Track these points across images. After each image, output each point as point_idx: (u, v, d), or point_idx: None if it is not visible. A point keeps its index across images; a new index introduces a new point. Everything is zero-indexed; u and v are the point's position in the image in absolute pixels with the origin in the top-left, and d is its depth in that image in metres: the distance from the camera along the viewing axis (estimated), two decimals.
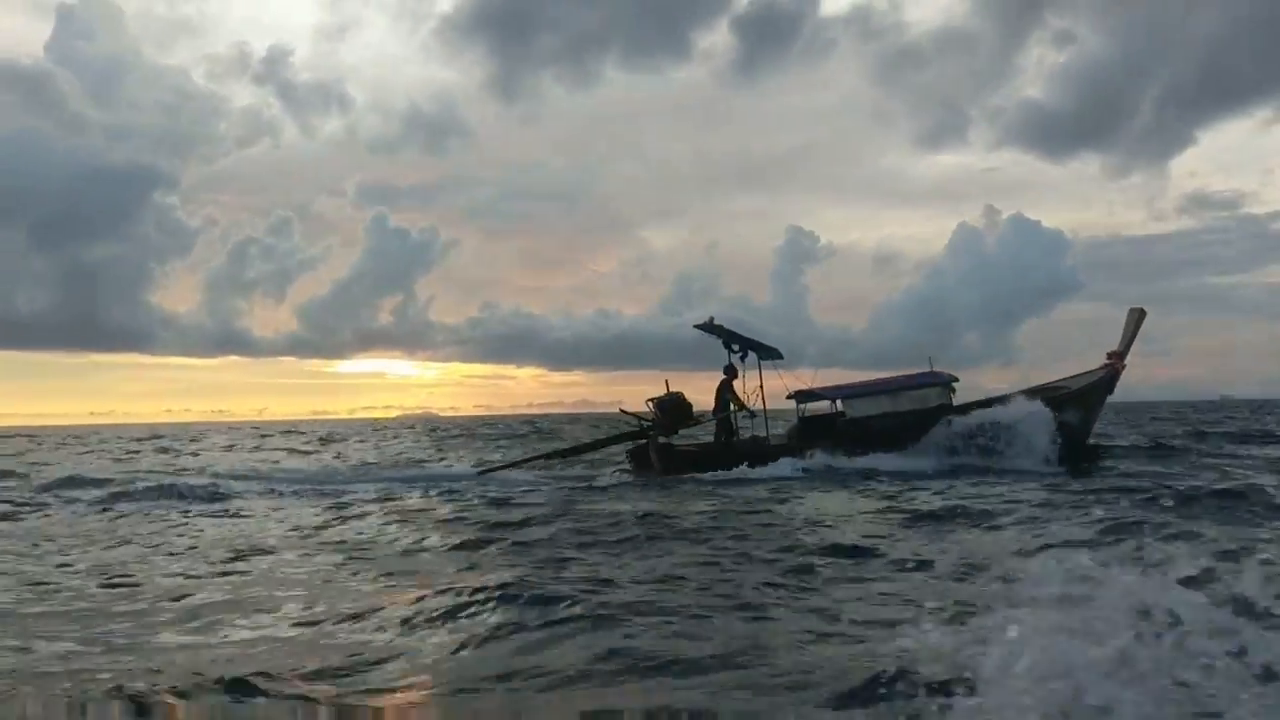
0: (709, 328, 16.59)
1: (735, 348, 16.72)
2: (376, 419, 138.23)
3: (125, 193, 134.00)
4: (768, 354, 16.61)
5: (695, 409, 16.62)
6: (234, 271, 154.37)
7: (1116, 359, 16.08)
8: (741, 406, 16.70)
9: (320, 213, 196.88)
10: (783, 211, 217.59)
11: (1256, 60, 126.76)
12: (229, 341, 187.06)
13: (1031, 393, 16.62)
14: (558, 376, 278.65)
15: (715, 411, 16.76)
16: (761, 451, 15.86)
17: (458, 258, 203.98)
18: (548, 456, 17.35)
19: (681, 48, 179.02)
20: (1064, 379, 16.50)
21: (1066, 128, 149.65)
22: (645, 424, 16.41)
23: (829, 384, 16.63)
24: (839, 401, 16.38)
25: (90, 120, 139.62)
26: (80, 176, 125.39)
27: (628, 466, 16.54)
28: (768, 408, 16.77)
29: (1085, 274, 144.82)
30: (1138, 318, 16.09)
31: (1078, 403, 15.82)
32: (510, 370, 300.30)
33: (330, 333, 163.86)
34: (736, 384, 16.70)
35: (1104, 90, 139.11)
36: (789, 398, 16.79)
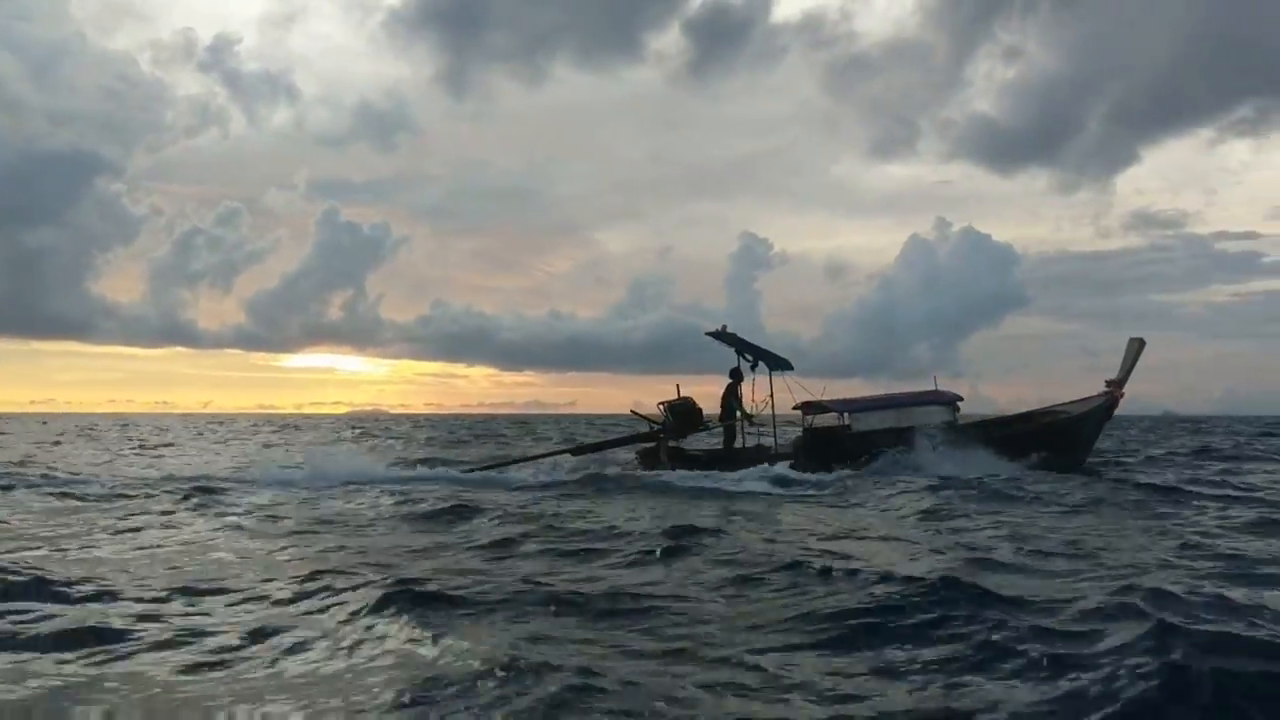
0: (722, 336, 16.94)
1: (747, 356, 17.07)
2: (325, 415, 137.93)
3: (67, 178, 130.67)
4: (778, 364, 16.98)
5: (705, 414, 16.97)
6: (179, 262, 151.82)
7: (1115, 387, 16.58)
8: (745, 413, 17.05)
9: (270, 205, 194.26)
10: (737, 218, 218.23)
11: (1201, 81, 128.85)
12: (173, 332, 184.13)
13: (1031, 415, 17.17)
14: (509, 376, 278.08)
15: (721, 417, 17.12)
16: (764, 458, 16.22)
17: (409, 255, 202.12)
18: (557, 454, 17.67)
19: (634, 48, 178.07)
20: (1065, 404, 16.99)
21: (1015, 142, 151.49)
22: (656, 426, 16.75)
23: (837, 397, 17.03)
24: (846, 415, 16.78)
25: (30, 104, 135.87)
26: (20, 161, 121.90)
27: (637, 465, 16.86)
28: (776, 417, 17.13)
29: (1033, 289, 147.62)
30: (1137, 348, 16.58)
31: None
32: (461, 369, 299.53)
33: (278, 326, 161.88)
34: (745, 390, 17.05)
35: (1052, 106, 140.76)
36: (795, 409, 17.18)
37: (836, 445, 16.49)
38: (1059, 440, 16.36)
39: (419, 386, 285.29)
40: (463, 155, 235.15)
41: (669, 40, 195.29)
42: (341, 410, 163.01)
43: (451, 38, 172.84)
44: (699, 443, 17.42)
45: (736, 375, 16.99)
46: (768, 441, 17.15)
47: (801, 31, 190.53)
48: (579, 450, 17.63)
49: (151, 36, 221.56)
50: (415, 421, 70.37)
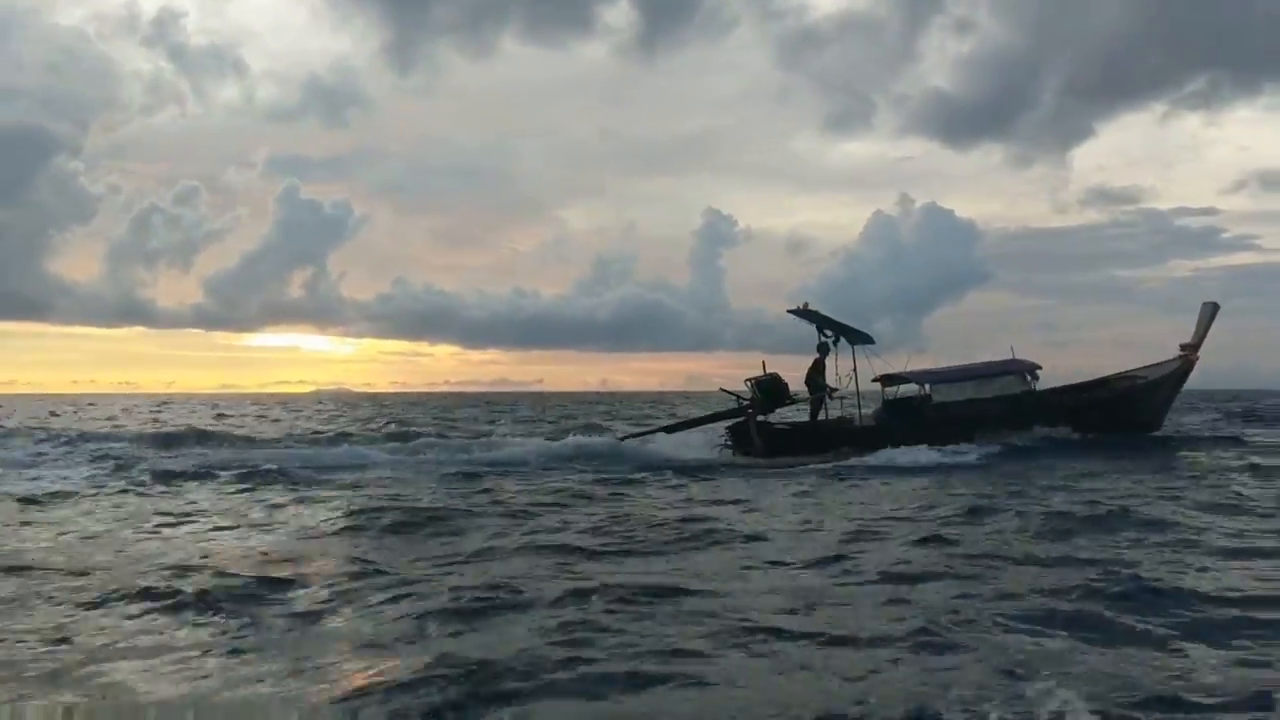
0: (803, 313, 17.60)
1: (827, 333, 17.72)
2: (289, 394, 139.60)
3: (21, 157, 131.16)
4: (860, 339, 17.62)
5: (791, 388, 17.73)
6: (138, 241, 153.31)
7: (1190, 350, 17.13)
8: (829, 388, 17.77)
9: (229, 183, 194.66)
10: (700, 194, 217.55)
11: (1153, 55, 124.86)
12: (132, 312, 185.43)
13: (1112, 379, 17.74)
14: (475, 355, 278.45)
15: (810, 392, 17.83)
16: (854, 434, 16.95)
17: (370, 233, 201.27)
18: (652, 431, 18.63)
19: (583, 21, 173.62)
20: (1139, 369, 17.56)
21: (970, 117, 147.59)
22: (744, 403, 17.52)
23: (919, 369, 17.72)
24: (927, 386, 17.47)
25: None
26: None
27: (729, 443, 17.64)
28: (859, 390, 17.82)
29: (995, 264, 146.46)
30: (1212, 311, 17.08)
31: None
32: (425, 348, 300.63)
33: (238, 305, 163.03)
34: (829, 364, 17.74)
35: (1005, 79, 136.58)
36: (874, 380, 17.86)
37: (917, 415, 17.22)
38: (1134, 405, 16.99)
39: (384, 365, 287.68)
40: (420, 131, 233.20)
41: (618, 13, 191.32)
42: (306, 389, 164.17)
43: (394, 10, 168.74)
44: (784, 417, 18.22)
45: (824, 350, 17.64)
46: (847, 415, 17.89)
47: (751, 3, 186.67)
48: (673, 429, 18.49)
49: (95, 9, 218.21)
50: (410, 400, 70.92)
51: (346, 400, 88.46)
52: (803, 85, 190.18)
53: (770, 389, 17.38)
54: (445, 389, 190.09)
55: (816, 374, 17.75)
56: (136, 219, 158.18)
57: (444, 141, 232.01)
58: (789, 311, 17.84)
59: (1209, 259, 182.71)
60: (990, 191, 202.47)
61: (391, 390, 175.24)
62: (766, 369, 17.56)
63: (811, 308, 17.47)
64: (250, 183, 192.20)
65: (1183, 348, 17.26)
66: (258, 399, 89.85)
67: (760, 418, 17.41)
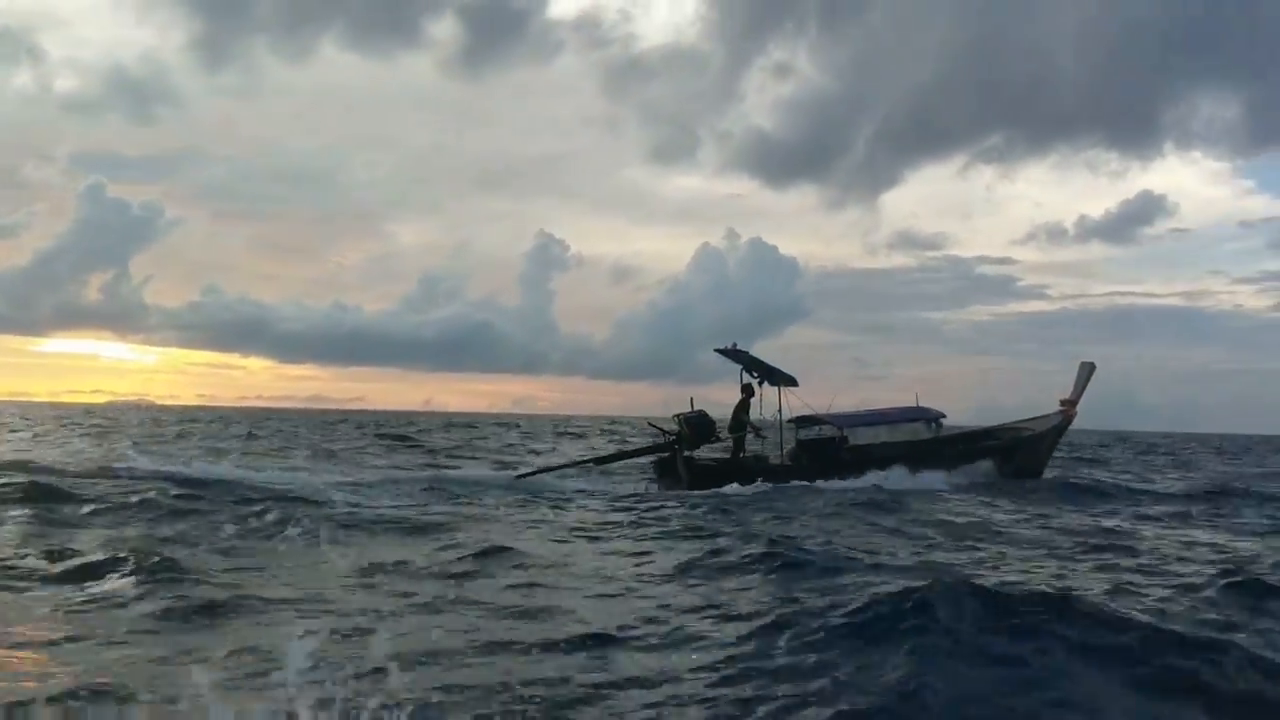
0: (731, 353, 18.14)
1: (754, 373, 18.33)
2: (84, 404, 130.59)
3: None
4: (783, 380, 18.33)
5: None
6: None
7: (1069, 406, 18.90)
8: (754, 426, 18.36)
9: (26, 178, 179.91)
10: (533, 217, 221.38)
11: (955, 110, 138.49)
12: None
13: (994, 431, 19.32)
14: (291, 369, 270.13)
15: (731, 429, 18.35)
16: (771, 470, 17.62)
17: (183, 237, 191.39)
18: (579, 464, 18.51)
19: (408, 32, 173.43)
20: (1026, 420, 19.21)
21: (787, 158, 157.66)
22: (671, 438, 17.81)
23: (834, 413, 18.61)
24: (844, 429, 18.37)
25: None
26: None
27: (654, 477, 17.85)
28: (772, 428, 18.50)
29: (814, 300, 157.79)
30: (1089, 371, 18.93)
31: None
32: (237, 360, 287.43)
33: (28, 307, 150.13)
34: (752, 403, 18.33)
35: (821, 124, 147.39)
36: (790, 422, 18.60)
37: (833, 454, 18.07)
38: (1023, 453, 18.56)
39: (191, 377, 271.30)
40: (242, 135, 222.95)
41: (443, 26, 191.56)
42: (101, 400, 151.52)
43: (202, 3, 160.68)
44: (706, 454, 18.62)
45: (748, 391, 18.23)
46: (764, 453, 18.54)
47: (578, 29, 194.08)
48: (601, 461, 18.49)
49: None
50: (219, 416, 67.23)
51: (149, 412, 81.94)
52: (630, 115, 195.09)
53: (699, 425, 17.77)
54: (258, 404, 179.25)
55: (742, 412, 18.29)
56: None
57: (268, 147, 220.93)
58: (716, 350, 18.33)
59: (1006, 305, 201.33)
60: (809, 231, 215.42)
61: (198, 404, 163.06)
62: (694, 405, 17.95)
63: (740, 348, 18.06)
64: (50, 178, 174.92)
65: (1063, 403, 19.03)
66: (53, 409, 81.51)
67: (686, 453, 17.75)
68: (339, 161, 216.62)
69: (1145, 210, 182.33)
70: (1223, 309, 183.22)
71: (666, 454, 17.85)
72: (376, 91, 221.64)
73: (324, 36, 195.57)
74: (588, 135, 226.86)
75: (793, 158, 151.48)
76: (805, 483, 16.70)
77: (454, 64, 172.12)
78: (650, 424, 18.39)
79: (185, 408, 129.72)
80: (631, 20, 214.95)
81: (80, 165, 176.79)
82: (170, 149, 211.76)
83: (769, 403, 18.18)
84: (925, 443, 18.17)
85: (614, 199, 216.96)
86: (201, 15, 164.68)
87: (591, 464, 18.50)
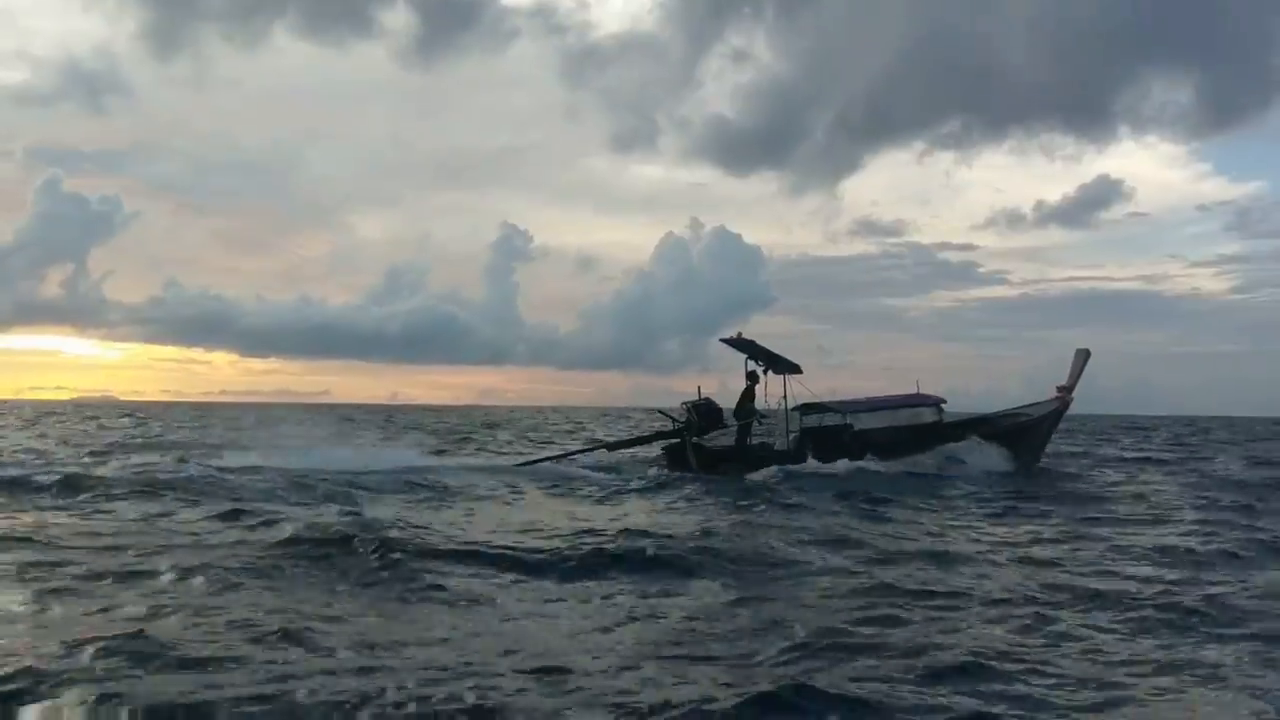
0: (736, 342, 18.38)
1: (759, 361, 18.59)
2: (46, 400, 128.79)
3: None
4: (788, 368, 18.61)
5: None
6: None
7: (1065, 392, 19.33)
8: (758, 413, 18.63)
9: None
10: (496, 208, 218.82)
11: (912, 95, 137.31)
12: None
13: (993, 416, 19.73)
14: (256, 363, 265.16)
15: (737, 416, 18.61)
16: (777, 455, 17.93)
17: (142, 231, 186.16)
18: (592, 449, 18.71)
19: (360, 20, 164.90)
20: (1024, 406, 19.63)
21: (748, 144, 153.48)
22: (680, 425, 18.07)
23: (839, 400, 18.93)
24: (848, 415, 18.69)
25: None
26: None
27: (664, 464, 18.10)
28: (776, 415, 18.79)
29: (778, 289, 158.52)
30: (1084, 357, 19.35)
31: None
32: (200, 354, 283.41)
33: None
34: (758, 390, 18.60)
35: (780, 110, 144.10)
36: (794, 409, 18.87)
37: (838, 440, 18.40)
38: (1024, 438, 19.00)
39: (155, 372, 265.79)
40: (197, 127, 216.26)
41: (396, 15, 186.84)
42: (65, 396, 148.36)
43: None
44: (714, 440, 18.88)
45: (753, 378, 18.49)
46: (770, 439, 18.82)
47: (534, 16, 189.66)
48: (614, 447, 18.70)
49: None
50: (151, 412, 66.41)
51: (118, 409, 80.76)
52: (589, 103, 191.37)
53: (706, 413, 18.05)
54: (223, 399, 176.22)
55: (747, 400, 18.56)
56: None
57: (224, 139, 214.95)
58: (721, 340, 18.58)
59: (968, 291, 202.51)
60: (772, 219, 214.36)
61: (164, 399, 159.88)
62: (701, 393, 18.25)
63: (746, 338, 18.30)
64: (5, 173, 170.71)
65: (1059, 389, 19.46)
66: (16, 406, 79.94)
67: (694, 439, 18.02)
68: (296, 153, 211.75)
69: (1103, 194, 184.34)
70: (1180, 292, 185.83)
71: (677, 441, 18.11)
72: (331, 82, 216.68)
73: (276, 25, 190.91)
74: (547, 125, 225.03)
75: (753, 144, 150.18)
76: (819, 462, 17.19)
77: (409, 53, 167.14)
78: (660, 412, 18.61)
79: (152, 403, 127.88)
80: (587, 7, 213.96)
81: (36, 159, 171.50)
82: (126, 142, 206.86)
83: (772, 391, 18.50)
84: (927, 427, 18.54)
85: (576, 189, 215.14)
86: (151, 2, 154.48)
87: (606, 449, 18.71)
